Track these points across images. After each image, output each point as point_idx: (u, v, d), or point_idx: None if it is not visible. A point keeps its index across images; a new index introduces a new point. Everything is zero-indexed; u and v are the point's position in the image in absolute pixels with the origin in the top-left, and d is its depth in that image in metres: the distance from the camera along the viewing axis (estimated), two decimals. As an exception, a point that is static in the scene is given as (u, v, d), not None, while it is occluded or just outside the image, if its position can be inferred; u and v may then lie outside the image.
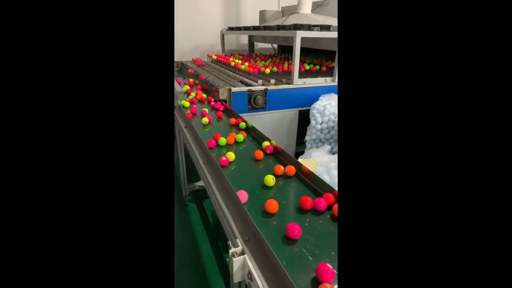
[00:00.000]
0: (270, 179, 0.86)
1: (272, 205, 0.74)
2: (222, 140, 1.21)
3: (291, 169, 0.92)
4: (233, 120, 1.52)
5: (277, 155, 1.10)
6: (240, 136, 1.26)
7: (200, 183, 2.10)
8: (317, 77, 2.15)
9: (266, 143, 1.15)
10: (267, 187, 0.88)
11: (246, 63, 2.40)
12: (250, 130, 1.41)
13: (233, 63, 2.53)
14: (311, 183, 0.88)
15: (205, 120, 1.49)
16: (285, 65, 2.48)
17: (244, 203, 0.75)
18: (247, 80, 2.09)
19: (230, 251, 0.60)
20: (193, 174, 2.16)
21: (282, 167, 0.93)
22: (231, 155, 1.05)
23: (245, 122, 1.44)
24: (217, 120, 1.63)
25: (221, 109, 1.75)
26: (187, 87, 2.23)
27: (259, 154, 1.07)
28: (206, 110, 1.65)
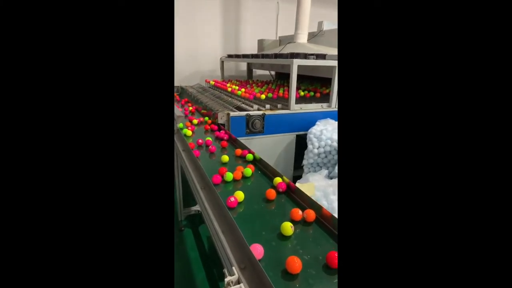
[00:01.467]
0: (288, 228, 0.66)
1: (295, 264, 0.54)
2: (229, 176, 1.00)
3: (311, 214, 0.72)
4: (239, 151, 1.28)
5: (291, 193, 0.91)
6: (248, 170, 1.05)
7: (196, 208, 1.89)
8: (311, 103, 2.05)
9: (278, 180, 0.94)
10: (284, 237, 0.68)
11: (243, 89, 2.30)
12: (258, 163, 1.19)
13: (229, 89, 2.40)
14: (335, 230, 0.69)
15: (225, 158, 1.20)
16: (280, 91, 2.38)
17: (259, 260, 0.55)
18: (243, 105, 1.98)
19: (226, 279, 0.53)
20: (189, 199, 1.94)
21: (299, 211, 0.73)
22: (240, 195, 0.84)
23: (252, 153, 1.22)
24: (221, 150, 1.38)
25: (225, 138, 1.51)
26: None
27: (271, 194, 0.86)
28: (210, 139, 1.42)
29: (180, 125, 1.64)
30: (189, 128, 1.64)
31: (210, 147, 1.34)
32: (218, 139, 1.52)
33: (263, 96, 2.13)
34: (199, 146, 1.40)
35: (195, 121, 1.81)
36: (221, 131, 1.59)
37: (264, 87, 2.64)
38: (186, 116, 2.00)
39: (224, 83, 2.78)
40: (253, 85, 2.83)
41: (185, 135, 1.52)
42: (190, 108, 2.19)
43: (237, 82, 3.01)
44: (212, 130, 1.70)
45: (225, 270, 0.57)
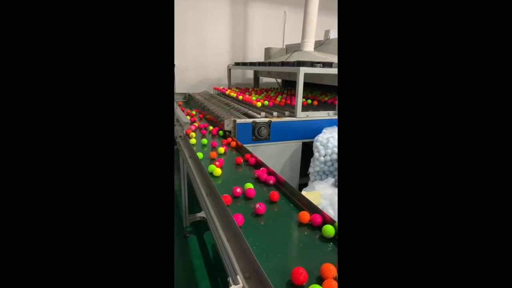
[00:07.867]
0: None
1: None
2: None
3: None
4: (306, 216, 0.74)
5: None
6: None
7: (201, 214, 1.88)
8: (308, 110, 2.04)
9: None
10: None
11: (240, 97, 2.27)
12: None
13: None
14: None
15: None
16: (278, 99, 2.36)
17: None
18: (236, 112, 1.96)
19: (230, 288, 0.51)
20: (194, 205, 1.94)
21: None
22: None
23: (331, 222, 0.70)
24: (270, 205, 0.87)
25: (271, 181, 0.99)
26: (204, 141, 1.55)
27: None
28: (251, 186, 0.92)
29: (200, 155, 1.23)
30: (216, 163, 1.13)
31: (258, 207, 0.80)
32: (260, 182, 1.03)
33: (259, 104, 2.11)
34: (236, 197, 0.90)
35: (221, 150, 1.37)
36: (262, 169, 1.08)
37: (262, 95, 2.62)
38: (197, 128, 1.82)
39: (224, 90, 2.77)
40: (252, 92, 2.80)
41: (211, 174, 1.07)
42: (211, 128, 1.81)
43: (237, 90, 2.98)
44: (246, 163, 1.22)
45: (230, 279, 0.56)
